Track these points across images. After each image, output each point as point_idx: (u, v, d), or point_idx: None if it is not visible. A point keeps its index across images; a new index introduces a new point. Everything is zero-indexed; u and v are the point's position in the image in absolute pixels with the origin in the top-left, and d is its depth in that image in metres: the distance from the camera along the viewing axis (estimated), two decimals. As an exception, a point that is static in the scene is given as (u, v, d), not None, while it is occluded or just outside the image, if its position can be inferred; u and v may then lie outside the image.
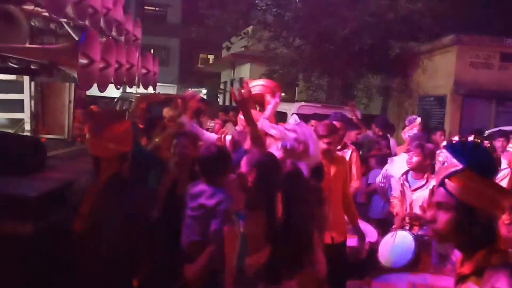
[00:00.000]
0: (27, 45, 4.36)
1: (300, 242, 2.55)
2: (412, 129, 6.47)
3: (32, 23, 4.64)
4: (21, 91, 5.07)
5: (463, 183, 1.74)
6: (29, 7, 4.21)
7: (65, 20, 4.45)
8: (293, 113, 9.27)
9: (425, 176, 4.55)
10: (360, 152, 5.98)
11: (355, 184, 5.26)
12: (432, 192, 4.43)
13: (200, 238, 3.12)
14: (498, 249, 1.69)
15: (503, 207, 1.71)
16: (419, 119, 6.83)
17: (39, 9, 4.19)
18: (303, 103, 10.56)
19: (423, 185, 4.52)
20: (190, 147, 3.65)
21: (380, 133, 6.94)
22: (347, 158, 5.22)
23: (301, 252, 2.54)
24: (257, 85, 4.23)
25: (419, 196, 4.50)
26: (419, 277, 3.40)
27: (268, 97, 4.03)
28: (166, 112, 5.56)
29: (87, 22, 4.22)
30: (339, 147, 5.25)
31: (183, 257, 3.19)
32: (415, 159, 4.57)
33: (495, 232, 1.71)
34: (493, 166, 1.80)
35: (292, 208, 2.57)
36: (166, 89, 27.90)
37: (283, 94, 17.19)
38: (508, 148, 5.56)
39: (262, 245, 2.57)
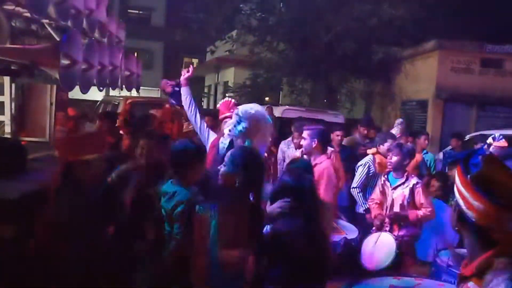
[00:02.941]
0: (8, 45, 4.29)
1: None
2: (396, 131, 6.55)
3: (13, 24, 4.56)
4: (1, 92, 4.99)
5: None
6: (10, 7, 4.14)
7: (47, 20, 4.40)
8: (277, 117, 9.30)
9: (405, 174, 4.63)
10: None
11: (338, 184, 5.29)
12: (412, 191, 4.50)
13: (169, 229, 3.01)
14: (505, 252, 1.65)
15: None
16: (399, 120, 6.98)
17: (20, 9, 4.12)
18: (287, 107, 10.58)
19: (403, 183, 4.60)
20: (158, 149, 3.60)
21: (365, 132, 6.99)
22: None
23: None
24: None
25: (399, 194, 4.58)
26: (400, 281, 3.41)
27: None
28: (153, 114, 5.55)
29: (69, 23, 4.17)
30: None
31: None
32: (394, 158, 4.65)
33: (494, 238, 1.66)
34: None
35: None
36: (149, 92, 27.76)
37: (267, 98, 17.36)
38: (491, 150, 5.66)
39: (236, 241, 2.57)
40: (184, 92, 4.25)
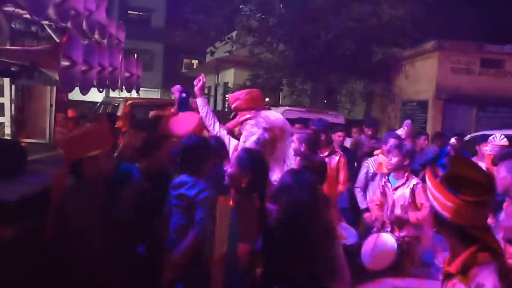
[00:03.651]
0: (7, 46, 4.29)
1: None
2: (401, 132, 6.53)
3: (13, 25, 4.56)
4: (1, 94, 4.98)
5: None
6: (10, 8, 4.13)
7: (47, 22, 4.39)
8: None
9: (405, 175, 4.62)
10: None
11: (340, 188, 5.29)
12: (412, 191, 4.50)
13: (186, 222, 3.17)
14: (487, 247, 1.69)
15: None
16: (408, 121, 6.98)
17: (20, 10, 4.11)
18: (287, 107, 10.58)
19: (403, 184, 4.60)
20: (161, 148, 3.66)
21: (370, 132, 7.00)
22: (335, 163, 5.25)
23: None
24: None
25: (400, 195, 4.58)
26: (403, 282, 3.40)
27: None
28: (152, 115, 5.54)
29: (69, 24, 4.16)
30: (326, 153, 5.28)
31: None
32: (394, 159, 4.64)
33: (472, 234, 1.71)
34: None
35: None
36: (149, 93, 27.80)
37: (267, 99, 17.37)
38: (487, 151, 5.65)
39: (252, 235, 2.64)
40: (200, 102, 4.23)
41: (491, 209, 2.84)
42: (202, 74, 4.46)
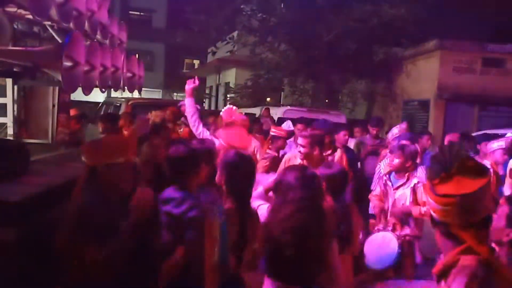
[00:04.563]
0: (10, 47, 4.30)
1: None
2: (395, 131, 6.52)
3: (15, 26, 4.57)
4: (3, 95, 4.99)
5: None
6: (12, 9, 4.14)
7: (49, 22, 4.40)
8: (279, 117, 9.30)
9: (406, 174, 4.62)
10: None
11: None
12: (413, 190, 4.50)
13: (174, 238, 2.93)
14: (471, 249, 1.69)
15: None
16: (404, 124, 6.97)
17: (22, 11, 4.13)
18: (289, 107, 10.59)
19: (404, 183, 4.59)
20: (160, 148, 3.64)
21: (375, 132, 7.01)
22: (336, 159, 5.26)
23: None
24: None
25: (401, 195, 4.59)
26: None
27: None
28: (155, 115, 5.56)
29: (71, 25, 4.17)
30: (329, 152, 5.29)
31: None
32: (396, 161, 4.63)
33: (454, 232, 1.73)
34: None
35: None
36: (151, 94, 27.81)
37: (268, 99, 17.37)
38: (493, 147, 5.66)
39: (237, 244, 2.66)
40: (189, 103, 4.52)
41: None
42: (197, 77, 4.70)
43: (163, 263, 2.82)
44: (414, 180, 4.57)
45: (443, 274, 1.72)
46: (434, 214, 1.75)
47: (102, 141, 2.93)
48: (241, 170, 2.98)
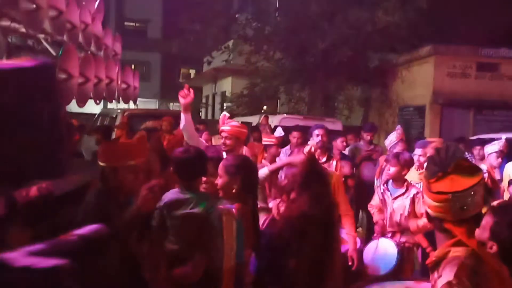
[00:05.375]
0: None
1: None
2: (393, 137, 6.52)
3: (9, 40, 4.58)
4: None
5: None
6: (6, 22, 4.16)
7: (43, 35, 4.41)
8: (275, 126, 9.31)
9: (405, 184, 4.59)
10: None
11: None
12: (413, 201, 4.46)
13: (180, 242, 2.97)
14: (461, 242, 1.79)
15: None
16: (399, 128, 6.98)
17: (16, 25, 4.14)
18: (285, 115, 10.62)
19: (403, 193, 4.55)
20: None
21: (369, 137, 7.02)
22: (332, 168, 5.24)
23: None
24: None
25: (400, 205, 4.51)
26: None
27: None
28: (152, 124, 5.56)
29: (65, 37, 4.19)
30: (324, 159, 5.27)
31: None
32: (392, 169, 4.61)
33: (446, 227, 1.83)
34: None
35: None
36: (147, 104, 27.80)
37: (265, 107, 17.38)
38: (487, 151, 5.69)
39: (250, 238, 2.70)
40: (185, 119, 3.95)
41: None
42: (191, 89, 3.96)
43: (174, 270, 2.85)
44: (413, 190, 4.50)
45: (436, 265, 1.83)
46: (429, 210, 1.87)
47: (111, 143, 3.02)
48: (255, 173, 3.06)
